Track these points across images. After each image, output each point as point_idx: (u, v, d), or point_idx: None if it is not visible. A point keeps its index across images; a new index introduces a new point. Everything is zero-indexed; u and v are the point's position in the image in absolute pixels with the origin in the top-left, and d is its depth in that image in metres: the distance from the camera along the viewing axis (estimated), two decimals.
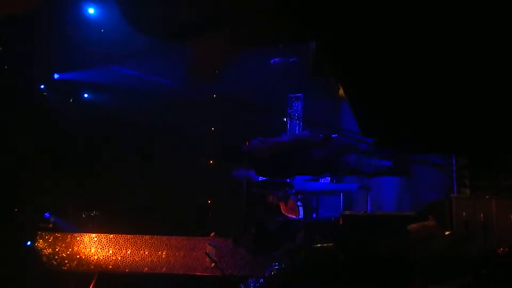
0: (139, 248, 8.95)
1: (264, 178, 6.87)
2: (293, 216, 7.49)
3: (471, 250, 2.38)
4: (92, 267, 8.88)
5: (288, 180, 6.76)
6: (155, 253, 8.93)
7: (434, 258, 2.36)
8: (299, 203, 7.68)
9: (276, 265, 6.11)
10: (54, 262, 8.90)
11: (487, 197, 3.56)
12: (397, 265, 2.35)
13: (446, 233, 3.09)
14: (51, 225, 9.32)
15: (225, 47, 1.45)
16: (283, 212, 7.42)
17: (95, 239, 9.01)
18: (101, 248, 8.97)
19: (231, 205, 9.32)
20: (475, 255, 2.34)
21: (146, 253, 8.93)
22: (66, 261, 8.92)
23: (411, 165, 5.25)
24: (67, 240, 9.00)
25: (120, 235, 9.02)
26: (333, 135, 5.32)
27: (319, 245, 4.79)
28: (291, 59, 8.06)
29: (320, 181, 7.22)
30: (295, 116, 8.32)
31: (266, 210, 7.58)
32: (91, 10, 8.44)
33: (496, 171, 3.86)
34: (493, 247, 2.44)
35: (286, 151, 5.27)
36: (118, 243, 8.99)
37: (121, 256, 8.93)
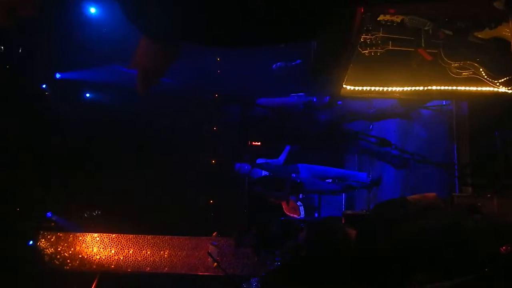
0: (141, 248, 8.96)
1: (265, 173, 6.90)
2: (294, 216, 7.48)
3: (470, 224, 2.35)
4: (94, 266, 8.89)
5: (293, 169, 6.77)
6: (157, 252, 8.93)
7: (432, 231, 2.32)
8: (299, 203, 7.67)
9: (278, 265, 6.12)
10: (56, 262, 8.91)
11: (489, 195, 3.55)
12: (397, 264, 2.33)
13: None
14: (53, 225, 9.32)
15: (171, 55, 1.41)
16: (285, 211, 7.42)
17: (97, 238, 9.02)
18: (103, 248, 8.97)
19: (232, 205, 9.31)
20: (474, 230, 2.31)
21: (148, 252, 8.93)
22: (68, 261, 8.93)
23: (412, 162, 5.25)
24: (69, 240, 9.02)
25: (122, 234, 9.02)
26: (339, 102, 5.43)
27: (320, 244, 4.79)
28: (293, 63, 8.04)
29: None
30: None
31: (267, 209, 7.58)
32: (92, 10, 8.45)
33: (498, 169, 3.85)
34: (495, 246, 2.43)
35: (293, 112, 5.35)
36: (120, 243, 9.00)
37: (123, 256, 8.93)
